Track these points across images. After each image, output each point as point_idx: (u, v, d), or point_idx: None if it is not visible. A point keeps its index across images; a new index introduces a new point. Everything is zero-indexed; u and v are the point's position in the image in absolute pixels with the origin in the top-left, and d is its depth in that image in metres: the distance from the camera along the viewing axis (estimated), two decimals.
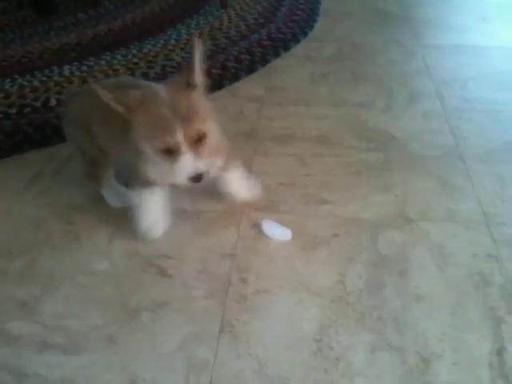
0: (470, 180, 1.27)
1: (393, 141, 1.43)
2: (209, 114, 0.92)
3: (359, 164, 1.34)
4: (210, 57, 1.86)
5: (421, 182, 1.27)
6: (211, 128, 0.92)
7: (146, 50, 1.90)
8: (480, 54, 1.90)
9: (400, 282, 1.00)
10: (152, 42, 1.97)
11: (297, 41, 2.00)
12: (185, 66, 0.99)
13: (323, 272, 1.03)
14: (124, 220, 1.15)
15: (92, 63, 1.82)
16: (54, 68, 1.79)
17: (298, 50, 1.96)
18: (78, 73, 1.77)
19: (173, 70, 1.77)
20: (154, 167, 0.96)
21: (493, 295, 0.97)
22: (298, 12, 2.25)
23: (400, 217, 1.16)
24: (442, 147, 1.40)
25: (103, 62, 1.83)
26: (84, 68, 1.79)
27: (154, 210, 1.07)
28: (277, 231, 1.12)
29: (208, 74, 1.66)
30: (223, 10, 2.27)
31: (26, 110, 1.56)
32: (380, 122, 1.51)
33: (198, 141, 0.89)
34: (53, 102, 1.59)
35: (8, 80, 1.73)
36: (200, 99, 0.91)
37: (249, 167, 1.31)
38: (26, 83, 1.70)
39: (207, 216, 1.19)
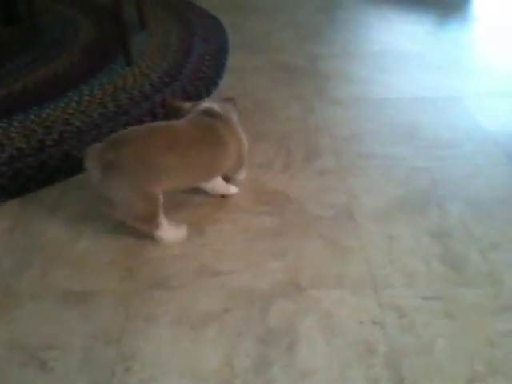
0: (360, 241, 1.30)
1: (289, 203, 1.45)
2: None
3: (255, 229, 1.35)
4: (112, 119, 1.84)
5: (313, 246, 1.29)
6: None
7: (44, 115, 1.85)
8: (378, 106, 1.99)
9: (288, 358, 1.00)
10: (52, 106, 1.92)
11: (201, 97, 2.02)
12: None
13: (211, 353, 1.01)
14: (6, 304, 1.10)
15: None
16: None
17: None
18: None
19: (71, 135, 1.73)
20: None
21: (377, 366, 0.98)
22: (204, 69, 2.28)
23: (291, 285, 1.17)
24: (335, 207, 1.43)
25: None
26: None
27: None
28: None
29: None
30: (128, 68, 2.26)
31: None
32: (278, 183, 1.53)
33: None
34: None
35: None
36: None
37: (143, 239, 1.28)
38: None
39: (96, 297, 1.14)
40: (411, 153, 1.68)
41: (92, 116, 1.85)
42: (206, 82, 2.14)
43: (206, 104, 1.35)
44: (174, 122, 1.28)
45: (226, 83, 2.18)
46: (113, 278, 1.19)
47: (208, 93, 2.07)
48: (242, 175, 1.47)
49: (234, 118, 1.39)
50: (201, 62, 2.36)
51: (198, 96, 2.02)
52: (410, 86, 2.14)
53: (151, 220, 1.21)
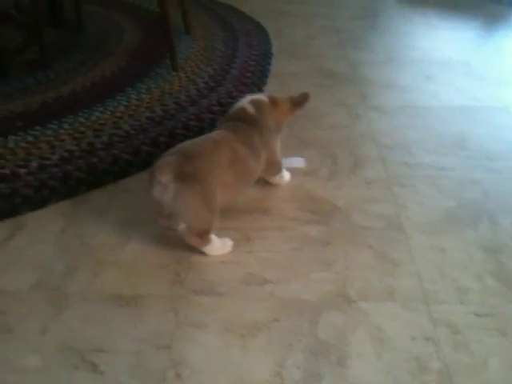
0: (410, 254, 1.28)
1: (336, 211, 1.44)
2: None
3: (302, 238, 1.34)
4: (159, 123, 1.86)
5: (362, 257, 1.27)
6: None
7: (93, 118, 1.89)
8: (423, 115, 1.96)
9: (338, 372, 0.99)
10: (101, 109, 1.96)
11: None
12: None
13: (261, 362, 1.01)
14: (58, 306, 1.12)
15: (38, 133, 1.80)
16: None
17: None
18: (23, 143, 1.74)
19: (120, 139, 1.76)
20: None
21: (430, 383, 0.96)
22: (248, 74, 2.28)
23: (340, 296, 1.16)
24: (383, 218, 1.41)
25: (49, 132, 1.80)
26: (30, 138, 1.77)
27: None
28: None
29: (154, 143, 1.66)
30: (174, 73, 2.28)
31: None
32: (324, 192, 1.52)
33: None
34: None
35: None
36: None
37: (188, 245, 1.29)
38: None
39: (145, 301, 1.16)
40: (460, 163, 1.65)
41: (140, 120, 1.87)
42: (251, 88, 2.15)
43: (245, 101, 1.44)
44: (227, 136, 1.31)
45: (270, 89, 2.18)
46: (162, 282, 1.20)
47: None
48: (279, 180, 1.52)
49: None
50: (245, 67, 2.36)
51: None
52: (455, 95, 2.10)
53: (206, 233, 1.23)
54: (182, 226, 1.24)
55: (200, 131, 1.82)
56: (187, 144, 1.30)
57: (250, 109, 1.40)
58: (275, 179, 1.52)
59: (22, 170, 1.58)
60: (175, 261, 1.26)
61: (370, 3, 3.33)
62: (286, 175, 1.55)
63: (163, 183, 1.15)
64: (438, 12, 3.16)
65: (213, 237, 1.25)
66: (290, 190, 1.53)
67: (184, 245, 1.27)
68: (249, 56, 2.49)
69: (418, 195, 1.50)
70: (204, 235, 1.23)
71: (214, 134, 1.35)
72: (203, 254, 1.27)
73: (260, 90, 2.15)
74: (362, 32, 2.83)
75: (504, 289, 1.18)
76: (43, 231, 1.37)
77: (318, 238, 1.34)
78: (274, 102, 1.45)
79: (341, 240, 1.33)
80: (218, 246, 1.26)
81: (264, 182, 1.52)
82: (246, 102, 1.42)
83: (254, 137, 1.35)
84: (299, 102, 1.47)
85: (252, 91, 2.12)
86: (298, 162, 1.64)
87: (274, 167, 1.47)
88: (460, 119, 1.92)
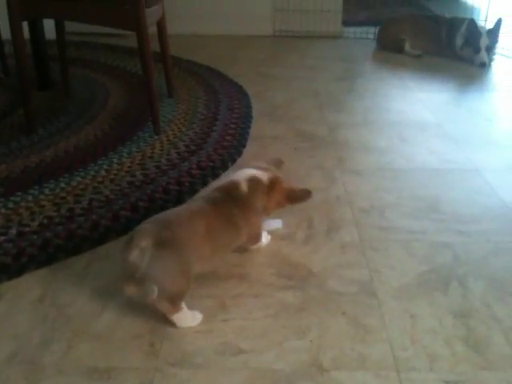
0: (382, 320, 1.30)
1: (311, 277, 1.47)
2: None
3: (278, 305, 1.36)
4: (139, 188, 1.90)
5: (336, 324, 1.29)
6: None
7: (74, 183, 1.93)
8: (399, 178, 2.03)
9: None
10: (82, 174, 2.00)
11: (225, 168, 2.08)
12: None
13: None
14: (32, 379, 1.12)
15: (19, 199, 1.83)
16: None
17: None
18: (3, 210, 1.76)
19: (100, 204, 1.79)
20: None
21: None
22: (228, 137, 2.36)
23: (314, 366, 1.17)
24: (357, 283, 1.44)
25: (30, 198, 1.83)
26: (10, 204, 1.79)
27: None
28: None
29: (134, 207, 1.70)
30: (156, 137, 2.35)
31: None
32: (300, 256, 1.56)
33: None
34: None
35: None
36: None
37: (164, 314, 1.30)
38: None
39: (120, 374, 1.16)
40: (432, 227, 1.70)
41: (120, 184, 1.92)
42: (230, 151, 2.21)
43: (231, 178, 1.46)
44: (206, 208, 1.36)
45: (250, 152, 2.24)
46: (136, 354, 1.21)
47: (232, 161, 2.13)
48: (257, 246, 1.57)
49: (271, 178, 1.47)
50: (225, 130, 2.44)
51: (223, 165, 2.08)
52: (430, 157, 2.18)
53: (179, 300, 1.25)
54: (150, 296, 1.22)
55: (179, 195, 1.86)
56: (166, 213, 1.34)
57: (244, 187, 1.41)
58: (253, 246, 1.57)
59: (1, 238, 1.59)
60: (150, 330, 1.27)
61: (349, 66, 3.47)
62: (264, 239, 1.58)
63: (142, 247, 1.17)
64: (414, 75, 3.31)
65: (184, 307, 1.27)
66: (267, 255, 1.56)
67: (158, 314, 1.28)
68: (229, 119, 2.58)
69: (390, 259, 1.54)
70: (176, 301, 1.24)
71: (193, 206, 1.39)
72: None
73: (239, 153, 2.22)
74: (340, 94, 2.94)
75: (473, 354, 1.20)
76: (20, 300, 1.38)
77: (293, 305, 1.36)
78: (272, 184, 1.45)
79: (315, 306, 1.35)
80: (188, 316, 1.28)
81: (243, 249, 1.55)
82: (242, 177, 1.43)
83: (237, 215, 1.38)
84: (297, 198, 1.49)
85: (231, 154, 2.18)
86: (276, 224, 1.69)
87: (254, 240, 1.53)
88: (434, 182, 1.99)
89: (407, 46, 3.66)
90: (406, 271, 1.49)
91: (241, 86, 3.04)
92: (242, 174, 1.45)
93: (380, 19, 4.06)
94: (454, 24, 3.57)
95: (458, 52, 3.53)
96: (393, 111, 2.71)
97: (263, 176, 1.45)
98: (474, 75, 3.30)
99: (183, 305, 1.27)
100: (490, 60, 3.47)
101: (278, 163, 1.59)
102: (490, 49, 3.44)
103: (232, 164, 2.12)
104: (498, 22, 3.43)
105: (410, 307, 1.35)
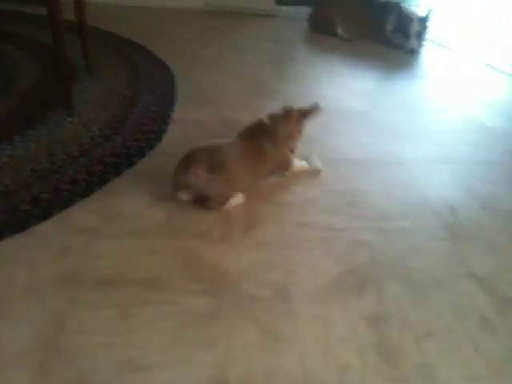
0: (295, 327, 1.25)
1: (226, 279, 1.39)
2: None
3: (186, 312, 1.28)
4: (42, 178, 1.74)
5: (247, 334, 1.23)
6: None
7: None
8: (322, 170, 1.97)
9: None
10: None
11: (142, 155, 1.95)
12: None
13: None
14: None
15: None
16: None
17: (142, 166, 1.91)
18: None
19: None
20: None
21: None
22: (147, 121, 2.22)
23: (219, 383, 1.10)
24: (272, 285, 1.38)
25: None
26: None
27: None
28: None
29: (35, 200, 1.55)
30: (69, 119, 2.17)
31: None
32: (215, 256, 1.47)
33: None
34: None
35: None
36: None
37: (60, 325, 1.19)
38: None
39: None
40: (352, 224, 1.66)
41: (23, 173, 1.75)
42: (149, 136, 2.08)
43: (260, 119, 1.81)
44: (239, 141, 1.73)
45: (169, 138, 2.12)
46: (23, 375, 1.09)
47: (150, 147, 2.00)
48: (293, 170, 1.90)
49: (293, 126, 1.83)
50: (145, 113, 2.30)
51: (140, 152, 1.95)
52: (354, 148, 2.14)
53: (225, 203, 1.65)
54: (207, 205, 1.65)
55: (89, 186, 1.72)
56: (212, 143, 1.67)
57: (267, 122, 1.77)
58: (290, 171, 1.88)
59: None
60: (41, 345, 1.16)
61: (280, 48, 3.38)
62: (299, 163, 1.91)
63: (197, 173, 1.56)
64: (344, 60, 3.28)
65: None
66: (179, 255, 1.47)
67: (54, 324, 1.17)
68: (151, 101, 2.44)
69: (307, 259, 1.49)
70: (223, 204, 1.65)
71: (231, 141, 1.72)
72: (77, 333, 1.17)
73: (159, 139, 2.09)
74: (269, 79, 2.86)
75: (383, 364, 1.17)
76: None
77: (203, 313, 1.28)
78: (287, 113, 1.80)
79: (227, 314, 1.28)
80: (232, 200, 1.67)
81: (154, 248, 1.45)
82: (265, 116, 1.79)
83: (265, 143, 1.74)
84: (309, 111, 1.84)
85: (149, 140, 2.05)
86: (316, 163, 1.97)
87: (285, 165, 1.86)
88: (357, 174, 1.96)
89: (339, 29, 3.61)
90: (321, 272, 1.44)
91: (167, 66, 2.89)
92: (264, 115, 1.80)
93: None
94: (385, 9, 3.55)
95: (388, 37, 3.52)
96: (321, 98, 2.64)
97: (279, 111, 1.80)
98: (403, 62, 3.30)
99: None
100: (420, 46, 3.48)
101: (314, 108, 1.85)
102: (420, 35, 3.45)
103: (150, 151, 1.99)
104: (430, 11, 3.45)
105: (323, 313, 1.30)
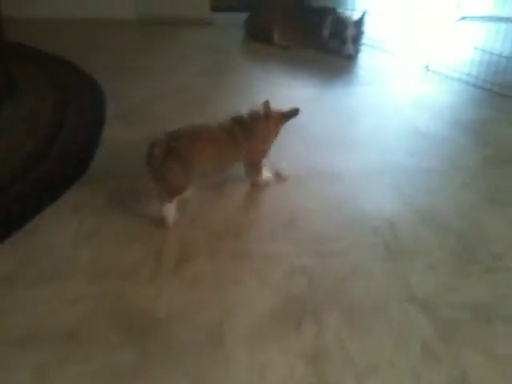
0: (228, 374, 1.17)
1: (155, 325, 1.30)
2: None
3: (109, 370, 1.18)
4: None
5: None
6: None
7: None
8: (259, 189, 1.90)
9: None
10: None
11: (68, 186, 1.83)
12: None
13: None
14: None
15: None
16: None
17: (68, 198, 1.78)
18: None
19: None
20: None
21: None
22: (75, 147, 2.10)
23: None
24: (205, 328, 1.30)
25: None
26: None
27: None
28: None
29: None
30: None
31: None
32: (143, 300, 1.38)
33: None
34: None
35: None
36: None
37: None
38: None
39: None
40: (289, 249, 1.60)
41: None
42: (76, 164, 1.96)
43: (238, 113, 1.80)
44: (211, 125, 1.71)
45: (98, 165, 2.00)
46: None
47: (77, 177, 1.87)
48: (256, 179, 1.89)
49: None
50: (73, 137, 2.17)
51: (65, 183, 1.83)
52: (292, 163, 2.07)
53: (176, 195, 1.64)
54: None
55: (6, 227, 1.59)
56: (178, 128, 1.66)
57: (246, 116, 1.76)
58: (255, 180, 1.89)
59: None
60: None
61: (217, 57, 3.29)
62: (266, 175, 1.89)
63: (154, 155, 1.56)
64: (282, 68, 3.21)
65: (174, 203, 1.66)
66: (104, 302, 1.37)
67: None
68: (79, 123, 2.30)
69: (243, 294, 1.41)
70: (174, 195, 1.64)
71: (202, 124, 1.72)
72: None
73: (85, 167, 1.96)
74: (206, 92, 2.76)
75: None
76: None
77: (127, 369, 1.18)
78: (266, 114, 1.77)
79: (155, 366, 1.19)
80: (172, 210, 1.67)
81: (77, 296, 1.34)
82: (245, 111, 1.78)
83: (238, 134, 1.73)
84: (285, 114, 1.84)
85: (76, 168, 1.93)
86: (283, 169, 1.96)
87: (254, 168, 1.86)
88: (295, 192, 1.90)
89: (276, 37, 3.55)
90: (258, 308, 1.37)
91: (96, 82, 2.75)
92: (245, 110, 1.78)
93: (251, 4, 3.88)
94: (321, 14, 3.51)
95: (325, 43, 3.48)
96: None
97: (260, 110, 1.77)
98: (341, 68, 3.27)
99: (175, 201, 1.64)
100: (357, 51, 3.46)
101: (293, 112, 1.85)
102: (357, 40, 3.43)
103: (76, 181, 1.87)
104: (364, 13, 3.43)
105: (260, 355, 1.23)
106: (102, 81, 2.79)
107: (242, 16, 3.85)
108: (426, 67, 3.26)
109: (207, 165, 1.73)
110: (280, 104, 1.80)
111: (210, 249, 1.58)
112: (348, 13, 3.79)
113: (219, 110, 2.51)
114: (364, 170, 2.05)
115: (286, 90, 2.85)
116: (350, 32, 3.36)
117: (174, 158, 1.58)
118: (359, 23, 3.42)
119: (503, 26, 3.17)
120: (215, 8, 4.08)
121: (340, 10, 3.54)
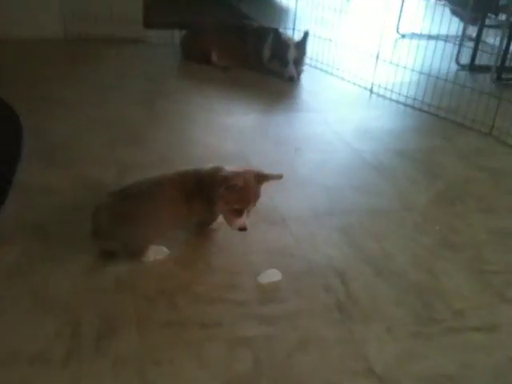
0: None
1: None
2: None
3: None
4: None
5: None
6: None
7: None
8: (195, 241, 1.70)
9: None
10: None
11: None
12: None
13: None
14: None
15: None
16: None
17: None
18: None
19: None
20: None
21: None
22: None
23: None
24: None
25: None
26: None
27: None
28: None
29: None
30: None
31: None
32: None
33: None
34: None
35: None
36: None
37: None
38: None
39: None
40: (229, 314, 1.41)
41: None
42: None
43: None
44: (164, 182, 1.57)
45: (8, 214, 1.72)
46: None
47: None
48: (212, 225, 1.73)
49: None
50: None
51: None
52: None
53: (141, 251, 1.53)
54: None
55: None
56: (126, 186, 1.55)
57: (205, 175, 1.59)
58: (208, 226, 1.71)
59: None
60: None
61: (150, 82, 3.06)
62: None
63: (99, 222, 1.47)
64: (221, 93, 3.02)
65: (150, 247, 1.54)
66: None
67: None
68: None
69: (175, 377, 1.20)
70: (137, 253, 1.53)
71: (156, 182, 1.57)
72: None
73: None
74: (136, 123, 2.53)
75: None
76: None
77: None
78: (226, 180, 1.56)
79: None
80: (153, 251, 1.55)
81: None
82: (208, 168, 1.60)
83: (190, 196, 1.56)
84: (261, 177, 1.62)
85: None
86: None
87: (207, 224, 1.71)
88: (234, 241, 1.70)
89: (214, 57, 3.36)
90: None
91: (12, 117, 2.44)
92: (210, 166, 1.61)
93: (186, 21, 3.67)
94: (260, 34, 3.35)
95: (266, 65, 3.32)
96: (195, 143, 2.37)
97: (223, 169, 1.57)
98: (282, 91, 3.12)
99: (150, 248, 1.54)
100: (299, 73, 3.33)
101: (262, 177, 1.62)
102: (299, 62, 3.29)
103: None
104: (306, 34, 3.30)
105: None
106: (22, 113, 2.47)
107: (178, 34, 3.64)
108: (370, 90, 3.16)
109: (161, 228, 1.57)
110: (218, 135, 1.62)
111: (138, 318, 1.37)
112: (289, 33, 3.67)
113: (152, 146, 2.28)
114: (310, 212, 1.89)
115: (225, 117, 2.66)
116: (292, 53, 3.22)
117: (121, 223, 1.47)
118: (301, 44, 3.29)
119: (441, 44, 3.13)
120: (148, 25, 3.85)
121: (281, 30, 3.39)
